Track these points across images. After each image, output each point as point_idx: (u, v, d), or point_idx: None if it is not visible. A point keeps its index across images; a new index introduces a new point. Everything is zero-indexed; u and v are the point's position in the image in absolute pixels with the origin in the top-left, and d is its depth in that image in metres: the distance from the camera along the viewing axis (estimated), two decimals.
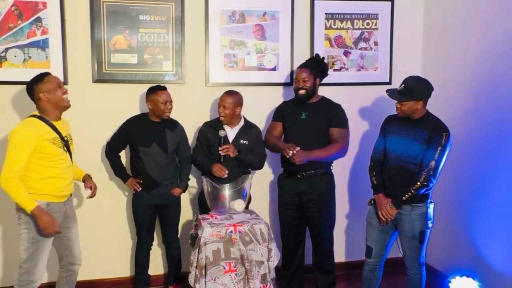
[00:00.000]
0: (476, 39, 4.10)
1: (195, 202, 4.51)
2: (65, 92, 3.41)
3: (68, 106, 3.42)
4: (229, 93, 4.01)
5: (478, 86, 4.05)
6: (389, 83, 4.79)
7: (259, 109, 4.55)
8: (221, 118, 3.96)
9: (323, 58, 4.11)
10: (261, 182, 4.66)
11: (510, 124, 3.73)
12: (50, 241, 3.37)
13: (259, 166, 4.13)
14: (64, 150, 3.40)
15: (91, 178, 3.71)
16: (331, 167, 4.05)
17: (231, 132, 4.05)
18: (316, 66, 3.97)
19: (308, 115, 3.97)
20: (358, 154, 4.80)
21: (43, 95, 3.33)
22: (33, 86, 3.35)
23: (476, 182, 4.08)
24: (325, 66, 4.06)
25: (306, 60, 4.10)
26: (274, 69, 4.56)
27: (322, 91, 4.26)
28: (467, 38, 4.21)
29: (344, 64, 4.71)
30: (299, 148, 3.75)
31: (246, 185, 3.84)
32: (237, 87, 4.34)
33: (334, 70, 4.71)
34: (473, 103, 4.10)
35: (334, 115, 3.94)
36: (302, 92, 3.90)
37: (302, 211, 4.04)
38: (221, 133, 3.96)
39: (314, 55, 4.13)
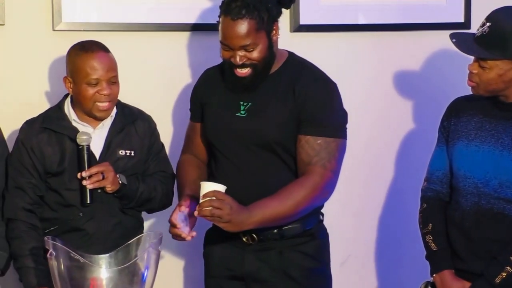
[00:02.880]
0: None
1: None
2: None
3: None
4: (105, 49, 2.80)
5: None
6: (465, 24, 3.48)
7: (176, 83, 3.22)
8: (105, 107, 2.78)
9: None
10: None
11: None
12: None
13: (167, 202, 2.87)
14: None
15: None
16: (321, 217, 2.77)
17: (95, 135, 2.85)
18: None
19: (251, 109, 2.72)
20: (396, 182, 3.66)
21: None
22: None
23: None
24: None
25: None
26: None
27: (301, 43, 3.22)
28: None
29: None
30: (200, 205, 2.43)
31: (147, 256, 2.60)
32: (125, 33, 3.16)
33: None
34: None
35: (310, 105, 2.64)
36: (244, 72, 2.60)
37: None
38: (83, 138, 2.76)
39: None
